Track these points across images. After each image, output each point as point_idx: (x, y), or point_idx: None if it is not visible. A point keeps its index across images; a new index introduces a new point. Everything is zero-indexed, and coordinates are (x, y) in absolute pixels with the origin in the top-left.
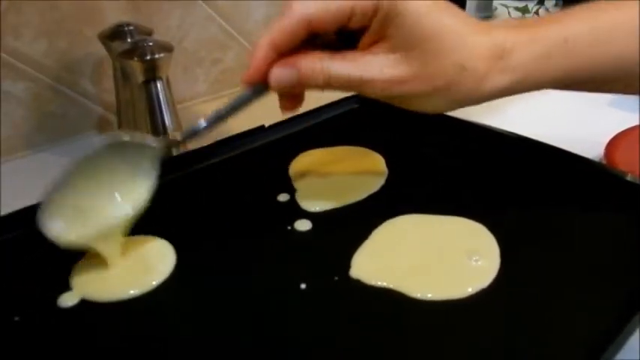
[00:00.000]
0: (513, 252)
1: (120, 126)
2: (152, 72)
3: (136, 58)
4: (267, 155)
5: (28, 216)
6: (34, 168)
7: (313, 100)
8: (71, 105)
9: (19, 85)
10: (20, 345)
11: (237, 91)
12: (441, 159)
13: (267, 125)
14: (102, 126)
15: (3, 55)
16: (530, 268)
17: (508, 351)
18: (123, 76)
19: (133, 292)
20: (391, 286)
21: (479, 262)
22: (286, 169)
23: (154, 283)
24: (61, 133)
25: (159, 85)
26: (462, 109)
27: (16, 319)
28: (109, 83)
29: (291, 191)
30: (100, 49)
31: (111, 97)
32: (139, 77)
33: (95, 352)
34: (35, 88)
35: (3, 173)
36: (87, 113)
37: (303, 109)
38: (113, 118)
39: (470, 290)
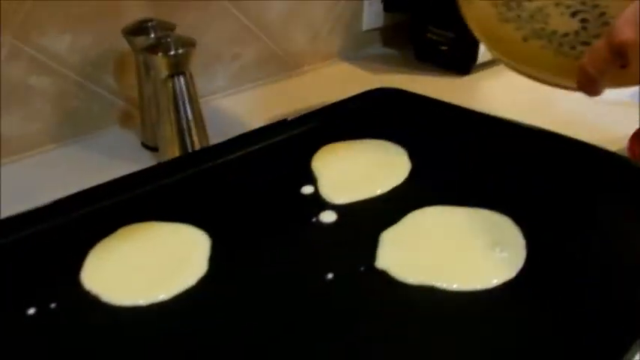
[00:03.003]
0: (539, 244)
1: (142, 121)
2: (176, 67)
3: (160, 53)
4: (290, 149)
5: (56, 210)
6: (59, 162)
7: (335, 93)
8: (95, 100)
9: (44, 80)
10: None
11: (256, 85)
12: (464, 152)
13: (289, 119)
14: (124, 121)
15: (29, 50)
16: (556, 261)
17: (533, 342)
18: (146, 71)
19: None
20: (416, 276)
21: (503, 254)
22: (309, 163)
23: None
24: (84, 128)
25: (182, 79)
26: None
27: (30, 312)
28: (131, 78)
29: (315, 184)
30: (123, 45)
31: (134, 93)
32: (163, 72)
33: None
34: (60, 83)
35: (29, 167)
36: (110, 108)
37: (325, 102)
38: (136, 113)
39: (495, 281)
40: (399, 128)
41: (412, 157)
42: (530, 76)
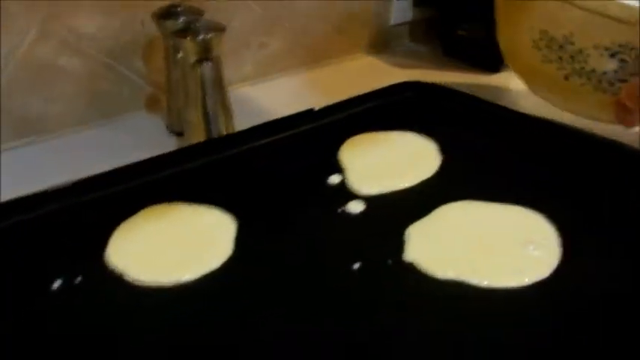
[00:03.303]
0: (574, 244)
1: (169, 106)
2: (204, 52)
3: (188, 38)
4: (316, 138)
5: (83, 188)
6: (84, 144)
7: (361, 86)
8: (123, 83)
9: (74, 61)
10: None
11: (282, 74)
12: (496, 148)
13: (316, 109)
14: (151, 105)
15: (59, 31)
16: (591, 261)
17: (566, 345)
18: (174, 56)
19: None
20: (446, 271)
21: (536, 252)
22: (336, 153)
23: (215, 265)
24: (111, 111)
25: (210, 65)
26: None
27: (55, 286)
28: (159, 63)
29: (342, 174)
30: (152, 29)
31: (161, 77)
32: (191, 57)
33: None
34: (89, 65)
35: (55, 148)
36: (138, 92)
37: (352, 93)
38: (162, 97)
39: (527, 280)
40: (429, 121)
41: (442, 150)
42: (570, 110)
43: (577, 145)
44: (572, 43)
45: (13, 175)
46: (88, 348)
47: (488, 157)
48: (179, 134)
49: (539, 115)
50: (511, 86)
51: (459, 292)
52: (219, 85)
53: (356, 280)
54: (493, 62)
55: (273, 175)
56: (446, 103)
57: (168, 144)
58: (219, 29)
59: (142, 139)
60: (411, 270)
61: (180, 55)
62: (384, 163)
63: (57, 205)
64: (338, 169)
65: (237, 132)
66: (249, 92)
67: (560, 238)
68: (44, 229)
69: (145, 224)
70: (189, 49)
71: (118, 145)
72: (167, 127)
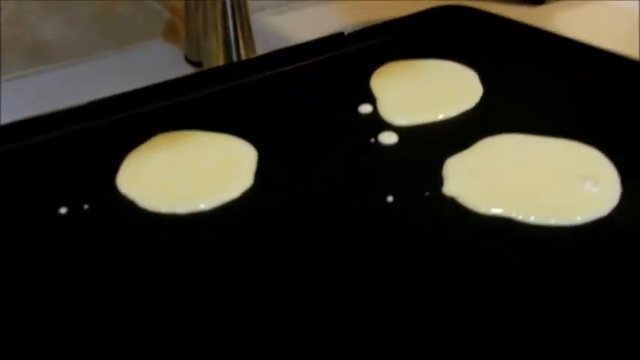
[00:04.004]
0: (633, 181)
1: (187, 33)
2: None
3: None
4: (345, 66)
5: (93, 111)
6: (98, 72)
7: (394, 13)
8: (138, 8)
9: None
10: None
11: (308, 4)
12: (542, 78)
13: (346, 33)
14: (168, 34)
15: None
16: None
17: (625, 294)
18: None
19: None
20: (489, 205)
21: (595, 188)
22: (367, 81)
23: (234, 194)
24: (127, 39)
25: None
26: None
27: (62, 211)
28: None
29: (374, 103)
30: None
31: (179, 3)
32: None
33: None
34: None
35: (68, 76)
36: (154, 19)
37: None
38: (180, 25)
39: (580, 218)
40: (470, 49)
41: (484, 81)
42: None
43: (634, 76)
44: None
45: (24, 103)
46: (95, 275)
47: (535, 88)
48: (198, 64)
49: (582, 41)
50: (558, 19)
51: (505, 229)
52: (240, 8)
53: (390, 214)
54: None
55: (298, 103)
56: (488, 30)
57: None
58: None
59: (159, 69)
60: (452, 204)
61: None
62: (420, 92)
63: (64, 129)
64: (369, 98)
65: (260, 56)
66: (273, 21)
67: (619, 175)
68: (50, 154)
69: (158, 151)
70: None
71: (134, 74)
72: (185, 56)
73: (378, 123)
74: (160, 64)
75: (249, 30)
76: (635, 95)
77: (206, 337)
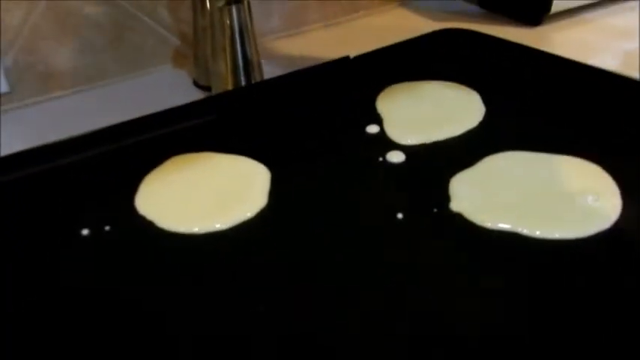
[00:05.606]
0: (632, 195)
1: (196, 58)
2: None
3: None
4: (352, 87)
5: (111, 135)
6: (109, 98)
7: (394, 38)
8: (148, 34)
9: (99, 9)
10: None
11: (312, 28)
12: (543, 98)
13: (352, 56)
14: (177, 59)
15: None
16: None
17: (626, 302)
18: (202, 1)
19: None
20: (495, 220)
21: (597, 203)
22: (373, 102)
23: (249, 214)
24: (136, 64)
25: (239, 9)
26: None
27: (84, 233)
28: (186, 13)
29: (380, 124)
30: None
31: (187, 29)
32: (220, 0)
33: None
34: (115, 14)
35: (79, 102)
36: (163, 44)
37: (390, 41)
38: (189, 52)
39: (586, 231)
40: (471, 71)
41: (486, 101)
42: None
43: (631, 94)
44: None
45: (39, 129)
46: (116, 295)
47: (536, 107)
48: (206, 88)
49: (582, 62)
50: (554, 39)
51: (510, 243)
52: (248, 30)
53: (400, 230)
54: (534, 14)
55: (307, 124)
56: (489, 52)
57: (195, 99)
58: None
59: (168, 94)
60: (458, 220)
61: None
62: (424, 113)
63: (84, 153)
64: (375, 119)
65: (270, 79)
66: (279, 45)
67: (619, 190)
68: (72, 177)
69: (174, 173)
70: None
71: (144, 100)
72: (194, 81)
73: (385, 142)
74: (169, 88)
75: (257, 54)
76: (632, 112)
77: (223, 355)
